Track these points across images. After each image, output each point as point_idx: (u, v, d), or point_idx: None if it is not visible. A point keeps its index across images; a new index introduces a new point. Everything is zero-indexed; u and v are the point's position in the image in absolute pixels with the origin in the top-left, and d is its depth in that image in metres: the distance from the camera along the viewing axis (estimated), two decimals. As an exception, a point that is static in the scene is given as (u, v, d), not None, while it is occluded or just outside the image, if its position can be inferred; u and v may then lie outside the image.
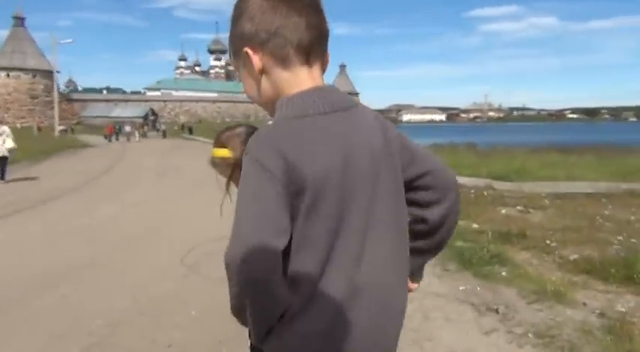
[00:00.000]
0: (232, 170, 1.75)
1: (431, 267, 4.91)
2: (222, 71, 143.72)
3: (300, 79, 1.08)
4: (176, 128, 57.89)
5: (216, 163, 1.79)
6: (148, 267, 5.42)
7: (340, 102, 1.09)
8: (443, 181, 1.21)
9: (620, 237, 6.01)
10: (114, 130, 44.62)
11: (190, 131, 54.47)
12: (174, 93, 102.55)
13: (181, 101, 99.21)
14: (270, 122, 1.06)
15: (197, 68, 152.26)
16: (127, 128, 45.93)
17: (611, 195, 9.48)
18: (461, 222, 6.68)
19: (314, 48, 1.08)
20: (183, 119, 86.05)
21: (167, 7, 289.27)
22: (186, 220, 8.07)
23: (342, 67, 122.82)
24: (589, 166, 14.46)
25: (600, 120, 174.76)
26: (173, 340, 3.59)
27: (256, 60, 1.07)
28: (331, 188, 1.01)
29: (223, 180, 1.77)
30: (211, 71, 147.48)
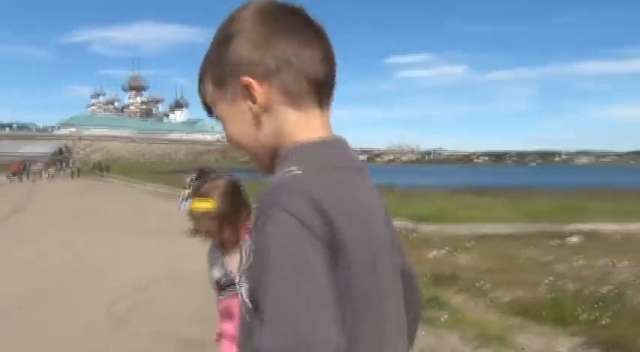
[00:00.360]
0: (220, 224, 1.67)
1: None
2: (144, 108, 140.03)
3: (312, 123, 0.85)
4: (87, 167, 55.11)
5: (198, 216, 1.71)
6: (71, 321, 4.96)
7: (357, 162, 0.92)
8: (415, 285, 1.04)
9: (545, 279, 6.30)
10: (21, 169, 42.06)
11: (101, 171, 52.25)
12: (90, 129, 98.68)
13: (96, 139, 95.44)
14: (295, 170, 0.80)
15: (112, 105, 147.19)
16: (36, 166, 43.45)
17: (527, 236, 10.06)
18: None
19: (327, 85, 0.87)
20: (98, 156, 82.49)
21: (84, 42, 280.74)
22: (106, 267, 7.59)
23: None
24: (503, 208, 15.31)
25: (505, 164, 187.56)
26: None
27: (261, 94, 0.83)
28: (364, 259, 0.81)
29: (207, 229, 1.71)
30: (126, 109, 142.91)
